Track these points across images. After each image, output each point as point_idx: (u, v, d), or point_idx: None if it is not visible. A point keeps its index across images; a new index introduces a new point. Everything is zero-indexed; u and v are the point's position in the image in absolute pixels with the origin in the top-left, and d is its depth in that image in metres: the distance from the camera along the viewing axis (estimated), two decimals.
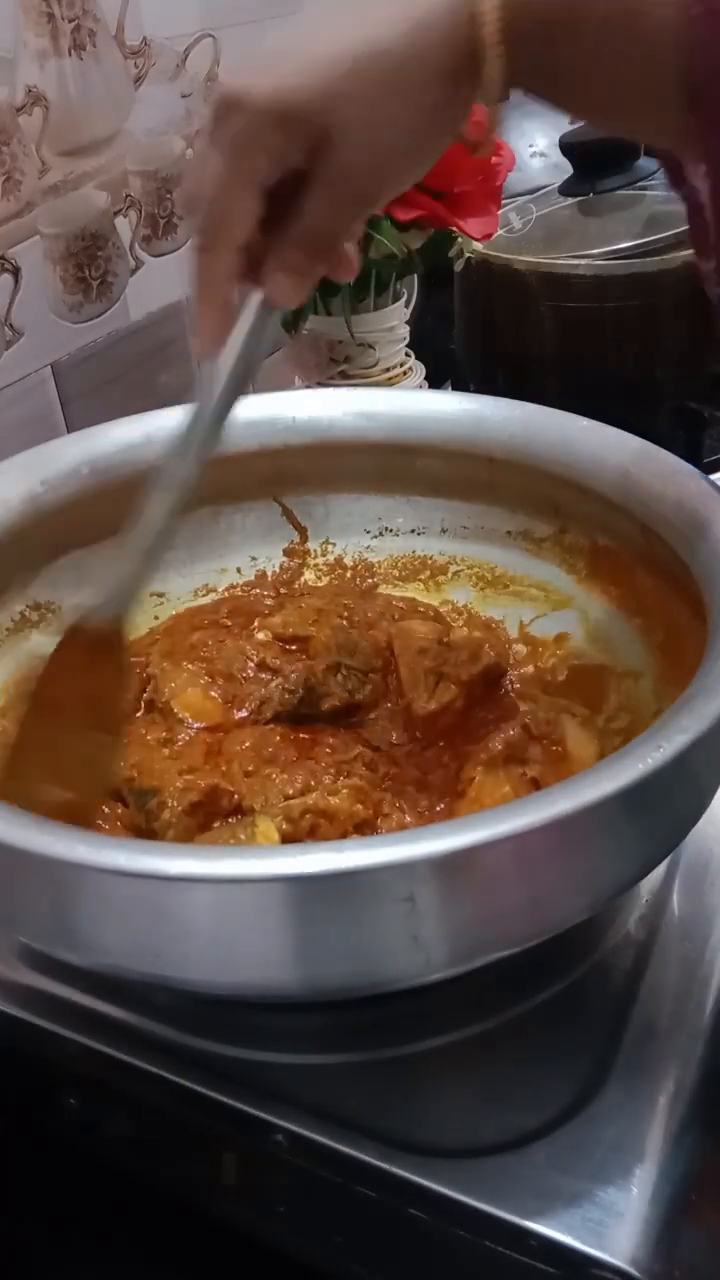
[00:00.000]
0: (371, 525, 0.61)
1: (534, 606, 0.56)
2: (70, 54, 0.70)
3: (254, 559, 0.61)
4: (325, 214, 0.36)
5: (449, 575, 0.59)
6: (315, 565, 0.61)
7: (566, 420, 0.53)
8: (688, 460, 0.49)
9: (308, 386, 0.81)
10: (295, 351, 0.80)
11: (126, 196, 0.78)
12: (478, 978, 0.43)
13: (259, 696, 0.51)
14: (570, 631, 0.55)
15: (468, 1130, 0.38)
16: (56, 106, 0.70)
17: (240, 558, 0.61)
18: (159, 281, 0.82)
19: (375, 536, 0.61)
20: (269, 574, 0.61)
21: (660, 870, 0.47)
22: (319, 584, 0.61)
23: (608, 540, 0.52)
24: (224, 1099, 0.40)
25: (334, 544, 0.61)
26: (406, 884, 0.32)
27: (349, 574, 0.61)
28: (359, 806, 0.45)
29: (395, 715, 0.52)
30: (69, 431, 0.75)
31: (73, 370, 0.75)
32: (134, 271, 0.80)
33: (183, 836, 0.45)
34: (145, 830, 0.46)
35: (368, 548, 0.61)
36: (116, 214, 0.77)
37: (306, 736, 0.50)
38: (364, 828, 0.45)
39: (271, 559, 0.61)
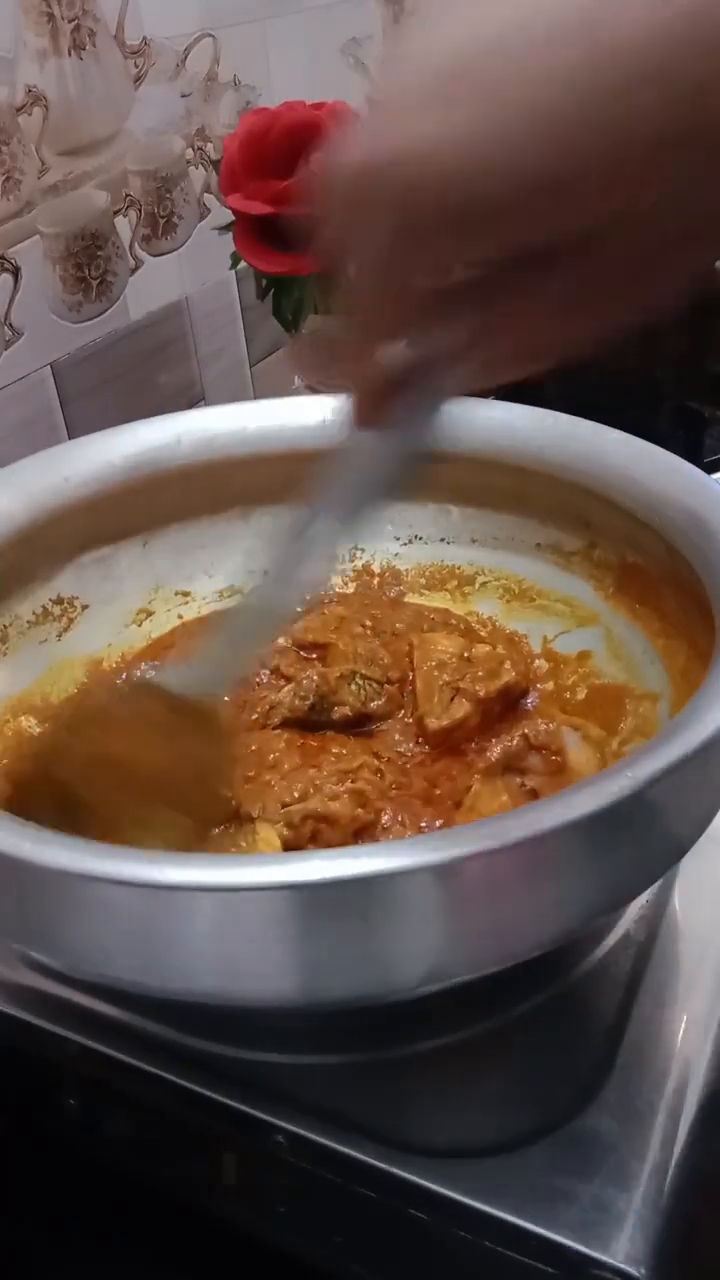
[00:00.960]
0: (401, 533, 0.60)
1: (559, 621, 0.56)
2: (70, 54, 0.70)
3: None
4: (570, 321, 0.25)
5: (476, 586, 0.59)
6: (342, 571, 0.61)
7: (597, 432, 0.53)
8: (687, 460, 0.49)
9: (308, 386, 0.81)
10: (295, 351, 0.80)
11: (126, 196, 0.78)
12: (477, 978, 0.43)
13: (270, 701, 0.51)
14: (593, 649, 0.54)
15: (468, 1130, 0.38)
16: (56, 106, 0.70)
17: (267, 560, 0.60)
18: (159, 281, 0.82)
19: (404, 544, 0.60)
20: None
21: None
22: (347, 590, 0.60)
23: (636, 557, 0.51)
24: (224, 1099, 0.40)
25: (362, 550, 0.61)
26: (405, 892, 0.32)
27: (376, 581, 0.60)
28: (359, 811, 0.45)
29: (408, 728, 0.51)
30: (69, 431, 0.75)
31: (72, 370, 0.75)
32: (134, 271, 0.80)
33: (180, 842, 0.44)
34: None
35: (396, 555, 0.60)
36: (116, 214, 0.77)
37: (314, 744, 0.50)
38: (365, 833, 0.45)
39: None
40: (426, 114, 0.19)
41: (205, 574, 0.59)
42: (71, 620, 0.55)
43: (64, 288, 0.74)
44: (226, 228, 0.68)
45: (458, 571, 0.59)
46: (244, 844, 0.43)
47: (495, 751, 0.47)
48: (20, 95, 0.67)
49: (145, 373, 0.82)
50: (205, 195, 0.86)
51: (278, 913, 0.32)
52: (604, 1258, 0.34)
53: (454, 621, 0.57)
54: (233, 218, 0.67)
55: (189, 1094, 0.40)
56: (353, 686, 0.51)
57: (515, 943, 0.34)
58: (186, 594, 0.59)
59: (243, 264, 0.68)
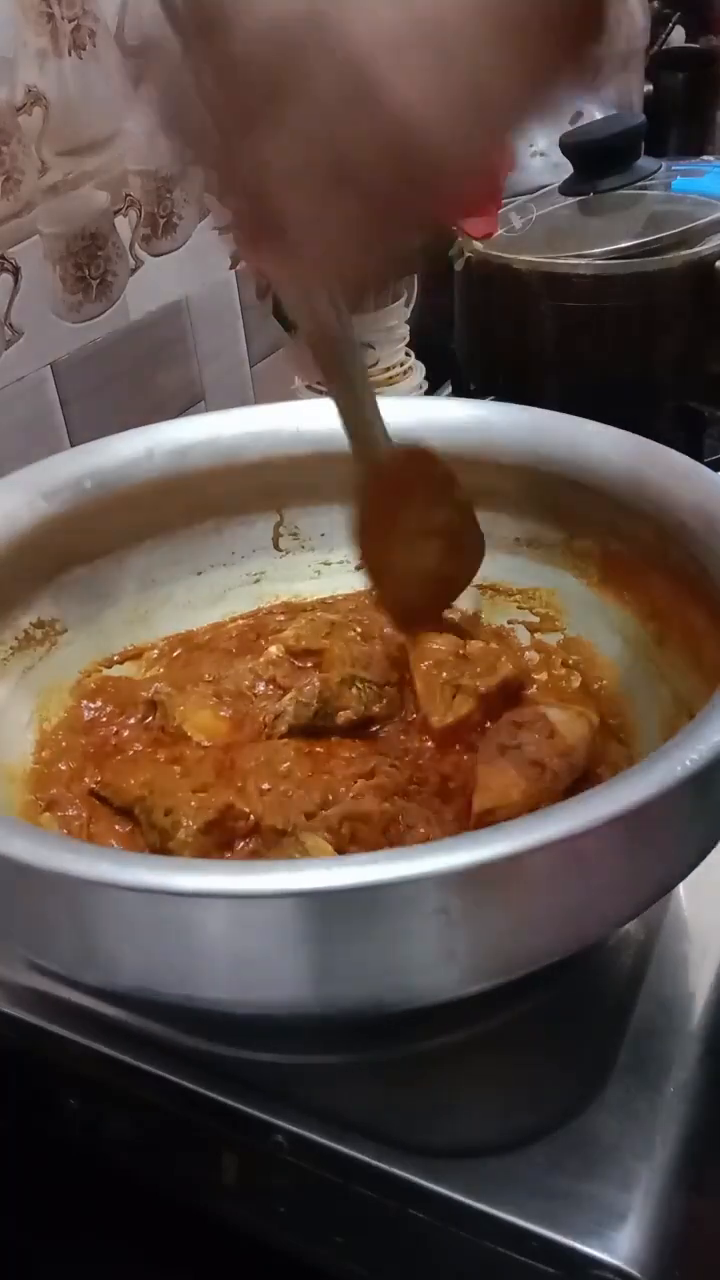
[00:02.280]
0: None
1: (544, 613, 0.56)
2: (70, 54, 0.70)
3: (259, 575, 0.60)
4: None
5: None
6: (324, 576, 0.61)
7: (575, 424, 0.53)
8: None
9: (308, 386, 0.81)
10: (295, 351, 0.80)
11: (126, 196, 0.78)
12: None
13: (273, 711, 0.51)
14: (582, 637, 0.54)
15: (468, 1130, 0.38)
16: (56, 106, 0.70)
17: (246, 568, 0.60)
18: (159, 281, 0.82)
19: None
20: (277, 594, 0.60)
21: None
22: (335, 596, 0.60)
23: (619, 545, 0.52)
24: (224, 1099, 0.40)
25: (344, 561, 0.60)
26: (437, 897, 0.31)
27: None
28: (386, 805, 0.45)
29: (410, 728, 0.51)
30: (69, 431, 0.75)
31: (72, 370, 0.75)
32: (134, 271, 0.80)
33: (199, 856, 0.44)
34: (160, 850, 0.45)
35: None
36: (116, 214, 0.77)
37: (321, 750, 0.50)
38: (390, 829, 0.45)
39: (276, 572, 0.60)
40: None
41: (185, 587, 0.59)
42: (53, 645, 0.54)
43: (64, 288, 0.74)
44: (227, 228, 0.68)
45: None
46: (296, 855, 0.43)
47: (490, 744, 0.48)
48: (20, 95, 0.67)
49: (145, 373, 0.82)
50: (205, 195, 0.86)
51: (296, 920, 0.31)
52: (604, 1258, 0.34)
53: (445, 619, 0.57)
54: None
55: (189, 1094, 0.40)
56: (354, 690, 0.51)
57: (535, 949, 0.34)
58: (164, 608, 0.59)
59: (243, 264, 0.68)
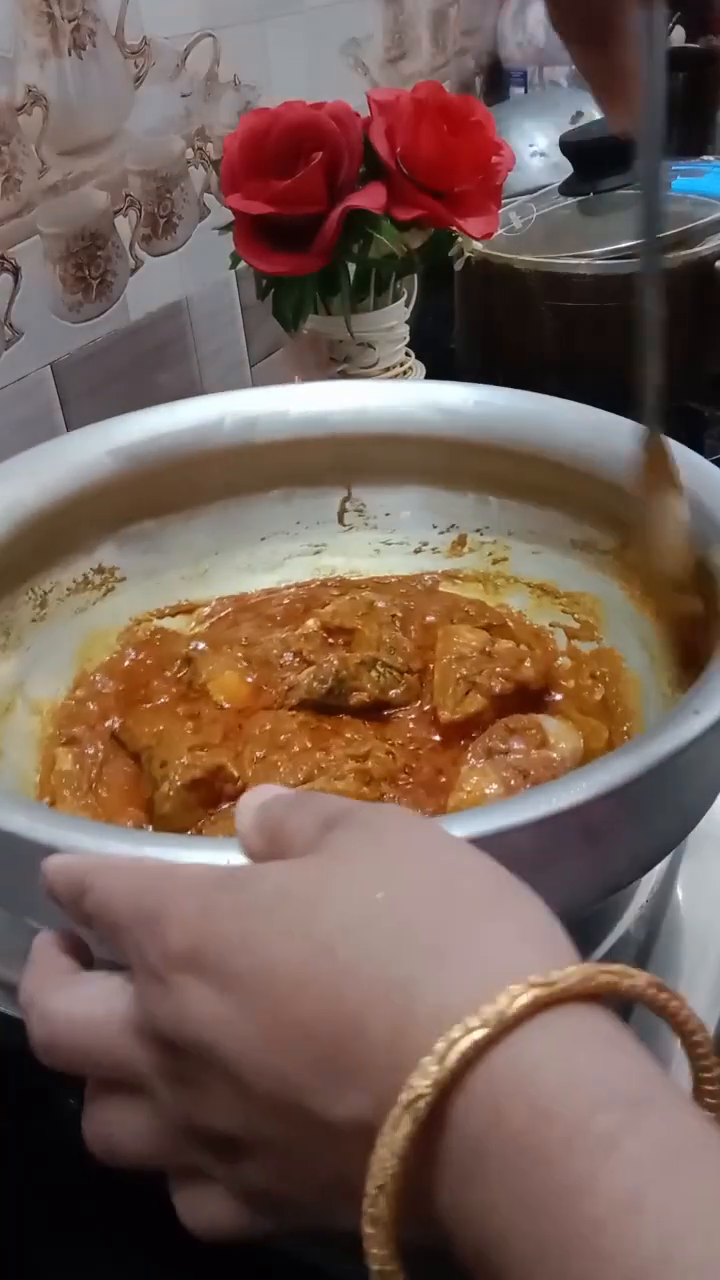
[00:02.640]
0: (440, 521, 0.60)
1: (585, 620, 0.55)
2: (70, 54, 0.70)
3: (320, 547, 0.61)
4: None
5: (507, 580, 0.59)
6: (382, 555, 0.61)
7: (635, 431, 0.51)
8: None
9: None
10: (295, 350, 0.80)
11: (126, 196, 0.78)
12: None
13: (289, 682, 0.52)
14: (615, 649, 0.53)
15: None
16: (56, 106, 0.70)
17: (308, 538, 0.61)
18: (159, 281, 0.82)
19: (441, 532, 0.60)
20: (334, 568, 0.61)
21: (661, 871, 0.47)
22: (390, 577, 0.60)
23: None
24: None
25: (404, 541, 0.61)
26: None
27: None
28: (365, 790, 0.45)
29: (424, 717, 0.51)
30: (68, 431, 0.75)
31: (72, 370, 0.75)
32: (134, 271, 0.80)
33: (179, 810, 0.45)
34: (150, 798, 0.46)
35: (433, 547, 0.60)
36: (116, 214, 0.77)
37: (328, 728, 0.50)
38: None
39: (337, 545, 0.61)
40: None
41: (247, 551, 0.60)
42: (110, 590, 0.56)
43: (64, 288, 0.74)
44: (226, 228, 0.68)
45: (492, 563, 0.59)
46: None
47: (480, 746, 0.47)
48: (20, 95, 0.67)
49: (145, 372, 0.82)
50: (205, 195, 0.86)
51: None
52: None
53: (487, 615, 0.56)
54: (233, 218, 0.67)
55: None
56: (373, 673, 0.51)
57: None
58: (223, 569, 0.60)
59: (243, 264, 0.68)
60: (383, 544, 0.61)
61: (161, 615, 0.58)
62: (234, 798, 0.46)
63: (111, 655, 0.55)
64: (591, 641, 0.54)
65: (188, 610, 0.58)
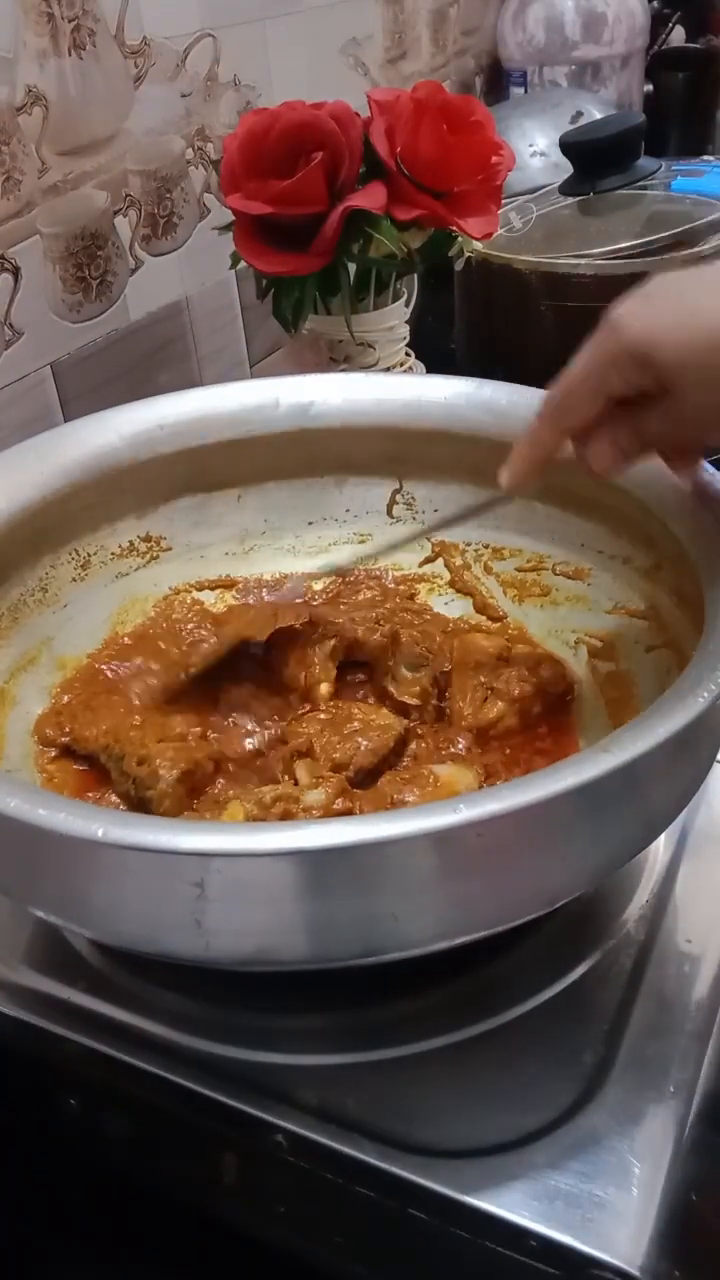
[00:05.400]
0: (485, 522, 0.59)
1: (613, 633, 0.54)
2: (70, 54, 0.70)
3: (366, 536, 0.61)
4: (661, 432, 0.41)
5: (540, 591, 0.58)
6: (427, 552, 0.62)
7: None
8: None
9: None
10: (295, 350, 0.80)
11: (126, 196, 0.78)
12: (478, 978, 0.43)
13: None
14: (631, 672, 0.52)
15: (468, 1130, 0.38)
16: (56, 106, 0.70)
17: (355, 526, 0.62)
18: (159, 281, 0.82)
19: (492, 530, 0.60)
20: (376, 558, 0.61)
21: (660, 870, 0.47)
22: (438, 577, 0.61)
23: (691, 585, 0.48)
24: (224, 1099, 0.40)
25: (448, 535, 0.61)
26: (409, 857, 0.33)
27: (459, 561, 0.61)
28: (340, 802, 0.45)
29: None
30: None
31: (72, 370, 0.75)
32: (134, 271, 0.80)
33: (177, 806, 0.46)
34: (135, 799, 0.47)
35: (478, 549, 0.60)
36: (116, 214, 0.77)
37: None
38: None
39: (383, 536, 0.61)
40: (657, 313, 0.39)
41: (293, 534, 0.61)
42: (154, 559, 0.58)
43: (64, 288, 0.74)
44: (226, 228, 0.68)
45: (536, 568, 0.59)
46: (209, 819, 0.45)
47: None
48: (20, 95, 0.67)
49: (145, 372, 0.82)
50: (205, 195, 0.86)
51: (286, 876, 0.33)
52: (604, 1257, 0.34)
53: (484, 629, 0.57)
54: (233, 218, 0.66)
55: (189, 1094, 0.40)
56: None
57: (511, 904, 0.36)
58: (268, 549, 0.61)
59: (243, 264, 0.68)
60: (427, 539, 0.61)
61: (201, 588, 0.59)
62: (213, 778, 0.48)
63: (146, 619, 0.57)
64: (610, 663, 0.53)
65: (227, 585, 0.60)
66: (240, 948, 0.35)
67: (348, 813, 0.45)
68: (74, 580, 0.55)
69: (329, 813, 0.44)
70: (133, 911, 0.35)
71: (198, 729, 0.50)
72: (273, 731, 0.51)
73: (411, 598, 0.59)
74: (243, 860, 0.33)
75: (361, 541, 0.61)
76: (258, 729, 0.51)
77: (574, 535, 0.56)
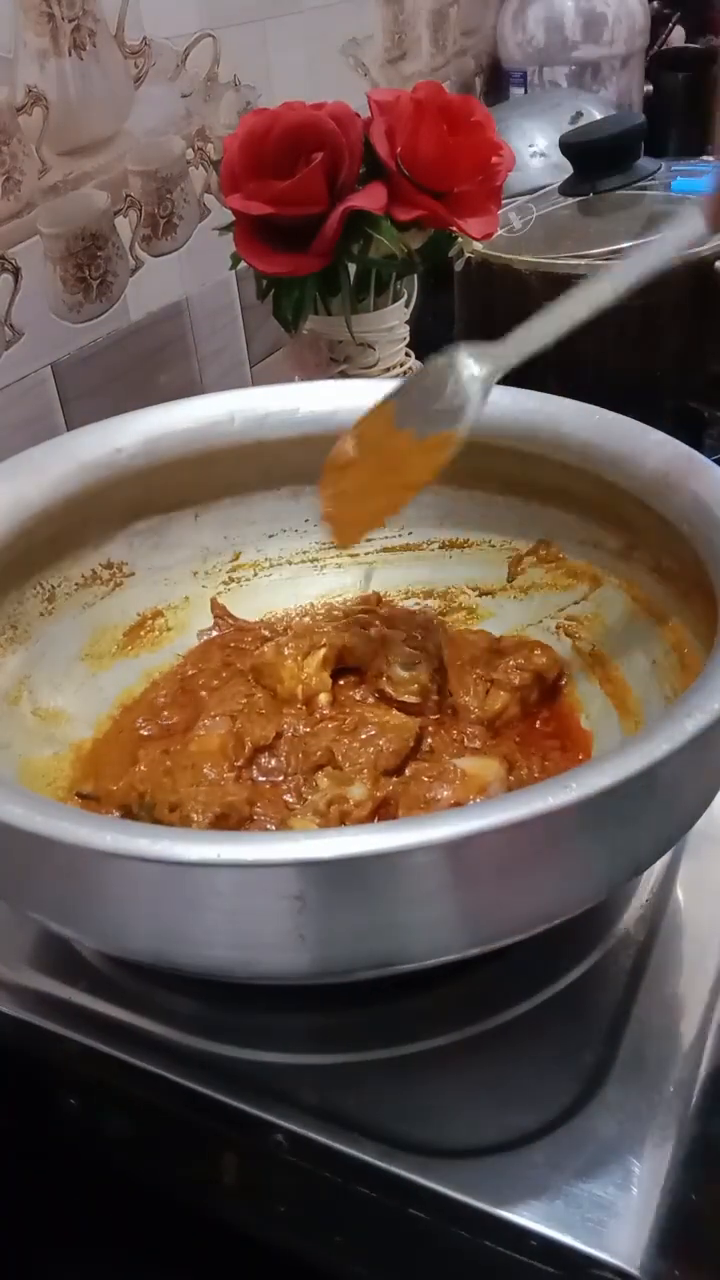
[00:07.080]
0: (447, 520, 0.60)
1: (590, 619, 0.55)
2: (70, 54, 0.70)
3: (329, 544, 0.61)
4: None
5: (521, 580, 0.58)
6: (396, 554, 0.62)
7: (641, 432, 0.52)
8: None
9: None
10: (295, 351, 0.80)
11: (126, 196, 0.78)
12: (478, 977, 0.43)
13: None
14: (611, 656, 0.53)
15: (468, 1130, 0.38)
16: (56, 106, 0.70)
17: (317, 536, 0.62)
18: (159, 281, 0.82)
19: (449, 532, 0.60)
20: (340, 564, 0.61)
21: (660, 870, 0.47)
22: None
23: (672, 563, 0.50)
24: (224, 1099, 0.40)
25: (411, 532, 0.61)
26: (422, 868, 0.32)
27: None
28: (377, 792, 0.45)
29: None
30: (69, 431, 0.75)
31: (73, 370, 0.75)
32: (134, 271, 0.80)
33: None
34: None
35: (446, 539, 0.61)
36: (116, 214, 0.77)
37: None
38: (385, 807, 0.46)
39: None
40: None
41: (255, 548, 0.60)
42: (118, 585, 0.57)
43: (64, 288, 0.74)
44: (226, 228, 0.68)
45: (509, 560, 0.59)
46: None
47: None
48: (20, 95, 0.67)
49: (145, 373, 0.82)
50: (205, 195, 0.86)
51: (289, 887, 0.32)
52: (604, 1257, 0.34)
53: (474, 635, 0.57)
54: (233, 218, 0.66)
55: (189, 1094, 0.40)
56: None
57: (518, 917, 0.35)
58: (235, 567, 0.61)
59: (243, 264, 0.68)
60: (393, 542, 0.61)
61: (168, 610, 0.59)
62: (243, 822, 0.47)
63: (118, 647, 0.56)
64: (592, 642, 0.54)
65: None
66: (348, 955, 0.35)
67: (390, 802, 0.45)
68: (42, 615, 0.53)
69: (376, 804, 0.45)
70: (230, 933, 0.35)
71: (230, 772, 0.49)
72: (288, 750, 0.50)
73: (379, 602, 0.59)
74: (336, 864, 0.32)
75: (325, 549, 0.61)
76: (272, 758, 0.50)
77: (540, 526, 0.57)
